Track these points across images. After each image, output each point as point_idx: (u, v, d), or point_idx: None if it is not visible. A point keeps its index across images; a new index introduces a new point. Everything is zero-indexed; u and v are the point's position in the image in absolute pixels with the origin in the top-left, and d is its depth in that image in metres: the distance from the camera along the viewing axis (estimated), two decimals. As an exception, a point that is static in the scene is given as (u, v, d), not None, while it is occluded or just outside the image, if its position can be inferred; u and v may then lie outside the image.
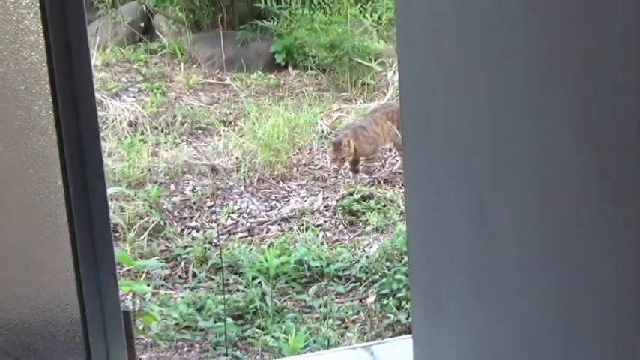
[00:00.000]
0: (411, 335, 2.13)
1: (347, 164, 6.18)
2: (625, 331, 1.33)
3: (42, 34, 1.99)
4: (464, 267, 1.81)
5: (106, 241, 2.04)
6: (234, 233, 5.70)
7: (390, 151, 6.51)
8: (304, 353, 4.29)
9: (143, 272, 5.16)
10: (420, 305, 2.07)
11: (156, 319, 4.03)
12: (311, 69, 7.79)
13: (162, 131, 6.82)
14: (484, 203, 1.68)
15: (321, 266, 5.19)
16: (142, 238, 5.54)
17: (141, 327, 4.46)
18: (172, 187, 6.17)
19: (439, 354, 1.99)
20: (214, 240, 5.54)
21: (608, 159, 1.32)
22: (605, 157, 1.33)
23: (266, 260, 5.07)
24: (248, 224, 5.78)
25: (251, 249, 5.45)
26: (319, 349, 4.45)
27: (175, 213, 5.88)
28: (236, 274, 5.23)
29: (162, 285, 5.19)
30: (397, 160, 6.32)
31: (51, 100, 2.00)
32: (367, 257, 5.28)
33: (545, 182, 1.50)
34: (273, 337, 4.59)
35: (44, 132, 2.00)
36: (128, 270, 5.13)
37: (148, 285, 4.07)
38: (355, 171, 6.20)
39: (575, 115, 1.40)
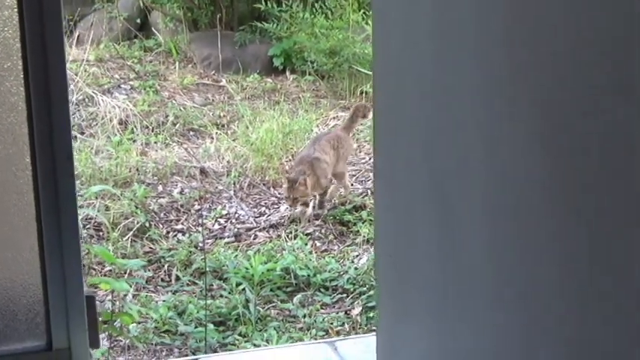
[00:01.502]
0: (374, 333, 2.09)
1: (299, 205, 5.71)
2: (589, 329, 1.35)
3: (16, 9, 1.91)
4: (429, 267, 1.85)
5: (72, 223, 1.94)
6: (220, 238, 5.57)
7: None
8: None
9: (125, 273, 5.03)
10: (384, 303, 2.02)
11: (134, 320, 3.89)
12: (309, 74, 7.67)
13: (152, 131, 6.70)
14: (449, 206, 1.70)
15: (308, 276, 5.06)
16: (125, 238, 5.41)
17: (119, 328, 4.33)
18: (160, 188, 6.04)
19: (402, 352, 1.94)
20: (200, 244, 5.40)
21: (570, 158, 1.35)
22: (567, 155, 1.36)
23: (251, 267, 4.94)
24: (235, 229, 5.65)
25: (237, 255, 5.31)
26: (301, 361, 4.32)
27: (162, 215, 5.75)
28: (220, 279, 5.10)
29: (144, 287, 5.05)
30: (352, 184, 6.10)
31: (22, 76, 1.93)
32: (356, 269, 5.14)
33: (509, 182, 1.52)
34: (254, 344, 4.46)
35: (14, 108, 1.93)
36: (110, 270, 4.99)
37: (130, 285, 3.93)
38: (306, 205, 5.74)
39: (538, 116, 1.42)
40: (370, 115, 6.39)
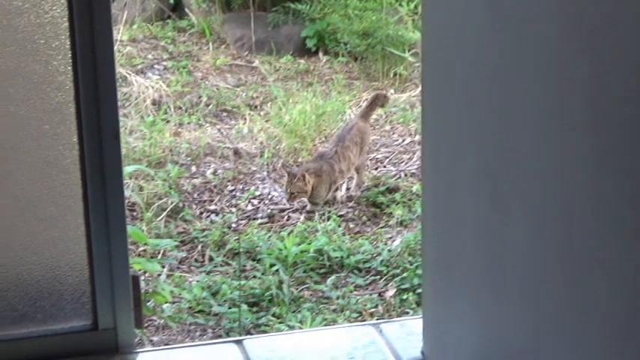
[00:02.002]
0: (420, 316, 2.09)
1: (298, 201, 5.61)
2: (635, 313, 1.32)
3: (64, -12, 1.91)
4: (475, 248, 1.81)
5: (119, 202, 1.94)
6: (254, 219, 5.57)
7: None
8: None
9: (159, 253, 5.05)
10: (430, 285, 2.02)
11: (167, 300, 3.90)
12: (342, 56, 7.64)
13: (186, 111, 6.70)
14: (497, 185, 1.68)
15: (341, 257, 5.06)
16: (159, 218, 5.42)
17: (152, 308, 4.34)
18: (193, 168, 6.04)
19: (448, 334, 1.93)
20: (233, 225, 5.40)
21: (624, 148, 1.32)
22: (621, 146, 1.33)
23: (285, 248, 4.93)
24: (269, 210, 5.65)
25: (270, 236, 5.31)
26: (335, 342, 4.32)
27: (195, 195, 5.76)
28: (254, 260, 5.11)
29: (178, 267, 5.07)
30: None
31: (70, 55, 1.92)
32: (389, 251, 5.13)
33: (559, 161, 1.50)
34: (288, 325, 4.46)
35: (62, 87, 1.93)
36: (143, 250, 5.01)
37: (162, 266, 3.94)
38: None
39: (591, 94, 1.39)
40: (386, 105, 6.38)
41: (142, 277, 4.23)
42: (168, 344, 4.46)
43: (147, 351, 2.19)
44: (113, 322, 2.04)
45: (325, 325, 4.50)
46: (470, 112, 1.75)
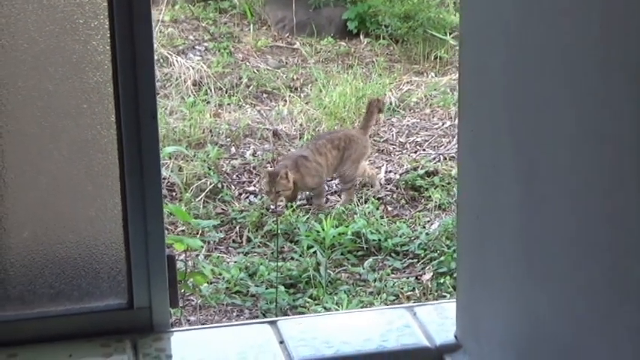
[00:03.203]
0: (454, 300, 2.08)
1: (282, 199, 5.45)
2: None
3: (103, -33, 1.91)
4: (511, 231, 1.79)
5: (155, 182, 1.95)
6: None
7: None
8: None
9: (197, 233, 5.07)
10: (465, 269, 2.01)
11: (207, 279, 3.92)
12: (383, 38, 7.62)
13: (226, 92, 6.71)
14: (535, 167, 1.67)
15: (379, 240, 5.06)
16: (198, 199, 5.44)
17: (192, 287, 4.37)
18: (233, 149, 6.06)
19: (482, 319, 1.92)
20: (272, 206, 5.42)
21: None
22: None
23: (323, 230, 4.94)
24: (307, 193, 5.65)
25: (308, 218, 5.32)
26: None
27: (234, 176, 5.77)
28: (291, 242, 5.12)
29: (216, 248, 5.09)
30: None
31: (109, 35, 1.93)
32: (427, 234, 5.12)
33: (597, 142, 1.48)
34: (324, 307, 4.47)
35: (100, 67, 1.94)
36: (182, 231, 5.04)
37: (203, 242, 3.96)
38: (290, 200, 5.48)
39: (632, 76, 1.36)
40: (384, 109, 6.19)
41: (182, 257, 4.25)
42: (205, 324, 4.50)
43: (181, 330, 2.20)
44: (148, 301, 2.04)
45: (362, 307, 4.50)
46: (507, 95, 1.74)
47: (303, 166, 5.42)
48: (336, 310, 4.34)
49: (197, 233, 5.06)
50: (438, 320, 2.11)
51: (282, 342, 2.08)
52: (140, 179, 1.94)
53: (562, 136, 1.58)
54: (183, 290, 4.11)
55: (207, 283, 4.63)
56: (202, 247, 4.11)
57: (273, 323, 2.14)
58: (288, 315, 4.56)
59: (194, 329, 2.24)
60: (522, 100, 1.70)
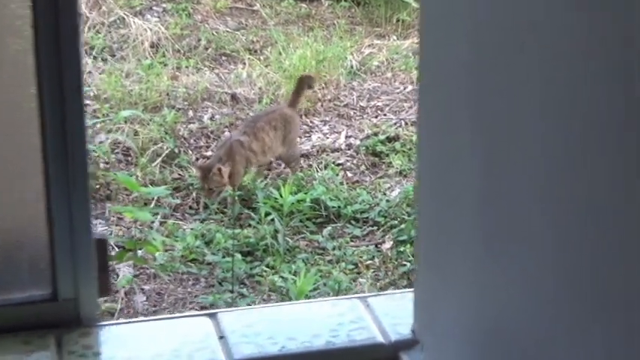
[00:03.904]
0: (412, 289, 1.96)
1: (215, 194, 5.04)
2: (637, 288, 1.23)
3: None
4: (471, 215, 1.68)
5: (81, 161, 1.79)
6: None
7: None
8: (305, 299, 4.08)
9: (153, 200, 4.96)
10: (423, 256, 1.90)
11: (158, 249, 3.81)
12: (345, 1, 7.48)
13: (184, 55, 6.56)
14: (496, 142, 1.57)
15: (339, 207, 4.97)
16: (154, 164, 5.32)
17: (143, 257, 4.27)
18: (190, 113, 5.93)
19: (441, 312, 1.82)
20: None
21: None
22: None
23: (281, 197, 4.83)
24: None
25: (267, 184, 5.22)
26: (329, 294, 4.24)
27: (191, 141, 5.65)
28: (249, 209, 5.02)
29: (172, 214, 4.98)
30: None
31: (29, -4, 1.75)
32: (387, 201, 5.04)
33: (566, 125, 1.39)
34: (282, 277, 4.39)
35: (19, 34, 1.76)
36: (136, 197, 4.92)
37: (154, 214, 3.85)
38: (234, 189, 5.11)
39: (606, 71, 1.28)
40: (315, 85, 5.93)
41: (134, 226, 4.14)
42: (160, 293, 4.40)
43: (111, 324, 2.02)
44: (74, 292, 1.87)
45: (320, 276, 4.42)
46: (471, 67, 1.63)
47: (238, 154, 5.09)
48: (293, 280, 4.25)
49: (152, 200, 4.94)
50: (395, 312, 1.98)
51: (222, 337, 1.93)
52: (64, 159, 1.78)
53: (526, 112, 1.48)
54: (132, 262, 4.01)
55: (163, 251, 4.53)
56: (154, 219, 3.98)
57: (212, 316, 1.99)
58: (245, 284, 4.48)
59: (125, 323, 2.08)
60: (485, 74, 1.59)
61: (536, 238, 1.48)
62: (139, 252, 4.19)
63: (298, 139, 5.56)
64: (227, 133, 5.56)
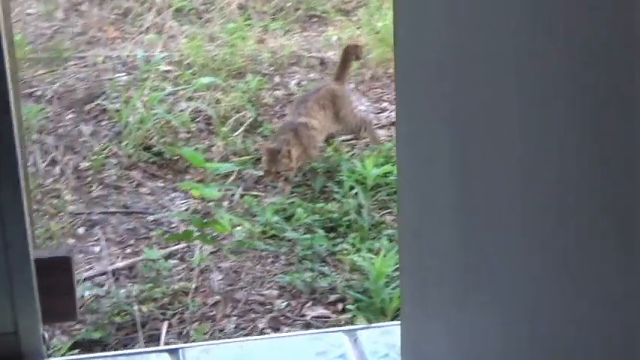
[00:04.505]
0: (399, 322, 1.69)
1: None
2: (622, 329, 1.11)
3: None
4: (450, 246, 1.53)
5: (13, 187, 1.53)
6: (337, 135, 5.19)
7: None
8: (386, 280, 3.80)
9: (234, 173, 4.74)
10: (407, 286, 1.65)
11: (226, 229, 3.58)
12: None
13: (272, 16, 6.30)
14: (471, 164, 1.43)
15: (428, 180, 4.66)
16: (236, 133, 5.09)
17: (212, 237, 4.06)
18: (276, 79, 5.68)
19: (427, 349, 1.57)
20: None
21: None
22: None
23: (364, 169, 4.55)
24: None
25: (353, 154, 4.94)
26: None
27: (276, 108, 5.41)
28: (334, 181, 4.75)
29: (254, 187, 4.75)
30: None
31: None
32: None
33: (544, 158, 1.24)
34: (362, 257, 4.12)
35: None
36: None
37: (219, 190, 3.62)
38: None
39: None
40: (362, 56, 5.50)
41: (201, 202, 3.91)
42: (237, 271, 4.19)
43: None
44: (13, 325, 1.61)
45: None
46: (448, 70, 1.39)
47: (305, 136, 4.80)
48: (371, 260, 3.98)
49: (233, 173, 4.73)
50: (383, 349, 1.71)
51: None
52: None
53: (506, 145, 1.27)
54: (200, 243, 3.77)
55: (242, 226, 4.31)
56: (217, 197, 3.75)
57: (173, 352, 1.71)
58: (327, 262, 4.23)
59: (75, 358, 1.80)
60: (462, 76, 1.38)
61: (516, 275, 1.31)
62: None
63: (361, 107, 5.23)
64: (286, 117, 5.19)
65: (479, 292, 1.38)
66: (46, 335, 1.62)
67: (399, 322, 1.77)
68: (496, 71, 1.29)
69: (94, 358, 1.84)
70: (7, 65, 1.46)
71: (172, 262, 4.18)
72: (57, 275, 1.61)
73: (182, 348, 1.71)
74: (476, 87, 1.35)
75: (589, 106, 1.09)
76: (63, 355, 3.53)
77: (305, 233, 4.35)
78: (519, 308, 1.28)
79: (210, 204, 3.84)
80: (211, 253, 4.21)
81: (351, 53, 5.19)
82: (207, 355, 1.71)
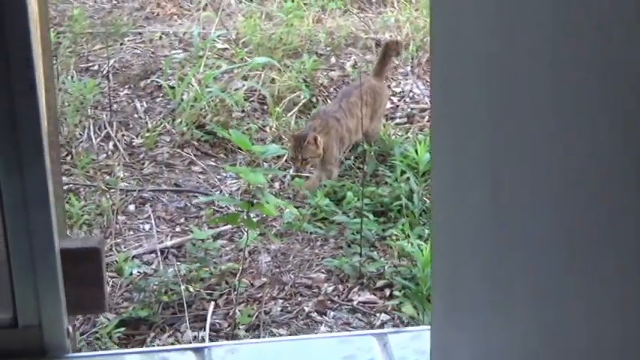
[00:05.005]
0: (429, 327, 1.64)
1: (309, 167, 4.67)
2: None
3: None
4: (481, 264, 1.51)
5: (38, 171, 1.49)
6: (391, 118, 5.16)
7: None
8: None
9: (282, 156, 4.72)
10: (439, 298, 1.60)
11: (272, 212, 3.57)
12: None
13: (331, -5, 6.26)
14: (502, 183, 1.42)
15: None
16: (290, 114, 5.07)
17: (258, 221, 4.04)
18: (332, 60, 5.64)
19: (456, 350, 1.54)
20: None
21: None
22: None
23: (417, 154, 4.51)
24: (409, 110, 5.22)
25: (407, 138, 4.90)
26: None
27: (331, 89, 5.37)
28: (387, 165, 4.71)
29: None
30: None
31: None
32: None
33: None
34: (411, 243, 4.08)
35: None
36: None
37: (266, 175, 3.60)
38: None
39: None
40: (403, 51, 5.38)
41: (248, 187, 3.90)
42: (285, 254, 4.18)
43: (81, 356, 1.71)
44: (37, 318, 1.57)
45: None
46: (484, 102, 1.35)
47: (334, 129, 4.67)
48: (419, 247, 3.94)
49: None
50: (412, 355, 1.66)
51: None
52: (18, 166, 1.46)
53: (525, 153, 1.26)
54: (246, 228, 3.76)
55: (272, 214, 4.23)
56: (263, 182, 3.72)
57: (198, 351, 1.68)
58: (376, 247, 4.20)
59: (97, 355, 1.77)
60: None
61: (537, 292, 1.30)
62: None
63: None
64: (321, 107, 5.10)
65: (510, 302, 1.35)
66: (71, 329, 1.59)
67: (424, 327, 1.74)
68: (528, 50, 1.26)
69: (118, 354, 1.82)
70: (37, 50, 1.44)
71: (221, 242, 4.17)
72: (86, 266, 1.58)
73: (208, 347, 1.69)
74: (510, 72, 1.33)
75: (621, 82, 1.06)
76: (109, 332, 3.55)
77: (355, 217, 4.32)
78: (549, 319, 1.26)
79: (260, 186, 3.82)
80: (260, 234, 4.20)
81: (391, 49, 5.03)
82: (232, 355, 1.68)
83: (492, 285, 1.39)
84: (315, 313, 3.82)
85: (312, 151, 4.55)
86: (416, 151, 4.54)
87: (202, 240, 4.07)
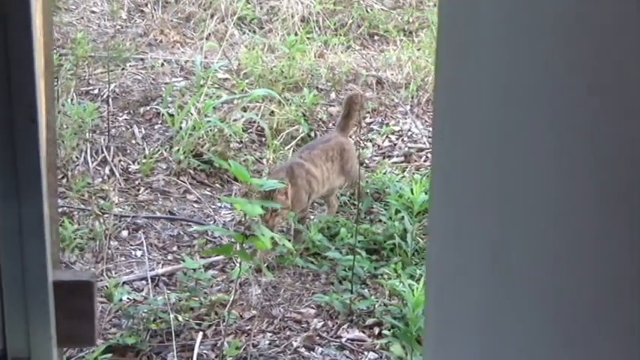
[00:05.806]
0: None
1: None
2: None
3: None
4: (475, 308, 1.50)
5: (35, 201, 1.48)
6: (389, 157, 5.16)
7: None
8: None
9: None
10: (431, 349, 1.61)
11: (266, 245, 3.56)
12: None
13: (334, 31, 6.28)
14: (503, 231, 1.39)
15: (475, 210, 4.60)
16: (288, 147, 5.07)
17: (251, 252, 4.03)
18: (332, 95, 5.65)
19: None
20: (366, 161, 5.01)
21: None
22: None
23: (412, 194, 4.51)
24: (406, 149, 5.23)
25: (403, 177, 4.90)
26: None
27: (330, 125, 5.38)
28: (382, 203, 4.72)
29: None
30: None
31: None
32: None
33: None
34: (402, 282, 4.07)
35: None
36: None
37: (262, 207, 3.59)
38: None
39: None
40: (366, 106, 5.19)
41: (243, 218, 3.89)
42: (276, 287, 4.16)
43: None
44: (27, 350, 1.56)
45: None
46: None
47: (299, 177, 4.50)
48: (410, 287, 3.93)
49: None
50: None
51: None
52: (16, 199, 1.45)
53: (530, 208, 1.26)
54: (239, 259, 3.75)
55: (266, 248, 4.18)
56: (260, 214, 3.70)
57: None
58: (367, 284, 4.19)
59: None
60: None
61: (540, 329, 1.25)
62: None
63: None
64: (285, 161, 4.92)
65: (502, 357, 1.36)
66: (60, 363, 1.58)
67: None
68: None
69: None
70: (39, 71, 1.43)
71: (212, 272, 4.17)
72: (78, 299, 1.57)
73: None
74: (514, 119, 1.33)
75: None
76: (95, 358, 3.53)
77: (347, 254, 4.32)
78: (546, 351, 1.26)
79: (255, 218, 3.82)
80: (256, 270, 4.20)
81: (355, 102, 4.79)
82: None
83: (486, 338, 1.39)
84: (304, 349, 3.80)
85: (282, 201, 4.31)
86: (411, 191, 4.54)
87: (194, 269, 4.06)
